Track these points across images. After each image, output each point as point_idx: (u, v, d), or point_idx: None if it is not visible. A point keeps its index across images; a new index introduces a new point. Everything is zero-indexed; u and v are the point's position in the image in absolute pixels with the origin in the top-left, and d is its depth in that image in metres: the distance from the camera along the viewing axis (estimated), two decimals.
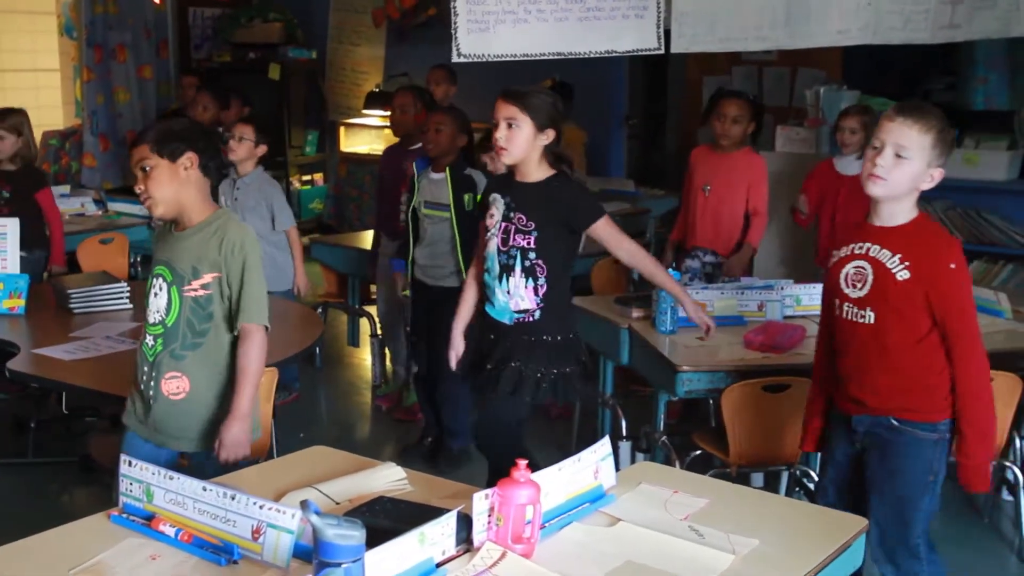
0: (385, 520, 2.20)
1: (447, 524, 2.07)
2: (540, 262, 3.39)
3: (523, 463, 2.15)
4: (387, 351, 6.02)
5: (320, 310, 6.20)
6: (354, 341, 6.51)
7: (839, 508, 2.74)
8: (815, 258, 5.26)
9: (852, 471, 3.05)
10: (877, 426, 2.94)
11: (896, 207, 2.88)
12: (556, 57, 5.07)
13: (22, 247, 4.84)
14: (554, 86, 6.64)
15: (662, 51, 5.04)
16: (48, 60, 9.59)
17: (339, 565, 1.82)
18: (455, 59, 5.03)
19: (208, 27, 10.06)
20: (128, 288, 4.55)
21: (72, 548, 2.17)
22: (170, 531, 2.20)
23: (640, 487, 2.51)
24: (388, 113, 5.49)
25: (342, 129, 9.78)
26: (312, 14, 9.82)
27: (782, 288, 4.27)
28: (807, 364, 3.32)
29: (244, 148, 5.12)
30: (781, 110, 7.36)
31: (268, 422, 3.52)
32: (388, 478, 2.55)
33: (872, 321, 2.88)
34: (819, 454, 3.91)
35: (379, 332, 5.95)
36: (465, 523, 2.13)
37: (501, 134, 3.36)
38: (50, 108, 9.57)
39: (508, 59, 5.04)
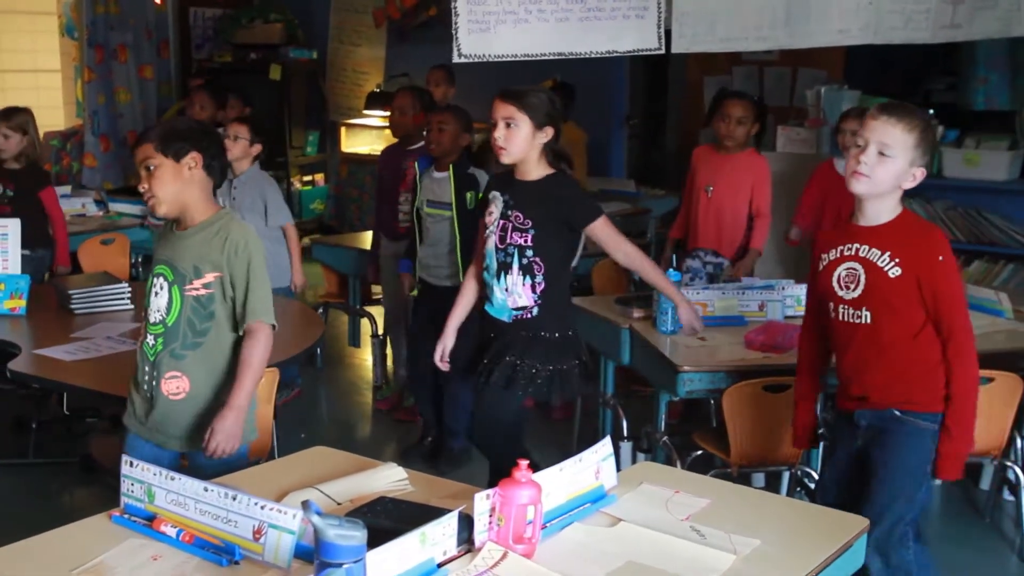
0: (386, 520, 2.21)
1: (448, 524, 2.07)
2: (537, 260, 3.40)
3: (524, 463, 2.15)
4: (388, 352, 6.03)
5: (321, 310, 6.21)
6: (355, 341, 6.51)
7: (842, 507, 2.75)
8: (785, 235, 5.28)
9: (854, 469, 3.06)
10: (879, 419, 2.98)
11: (880, 205, 2.92)
12: (557, 57, 5.07)
13: (25, 246, 4.85)
14: (555, 86, 6.64)
15: (663, 51, 5.04)
16: (49, 60, 9.59)
17: (340, 565, 1.82)
18: (456, 59, 5.03)
19: (209, 27, 10.06)
20: (129, 288, 4.56)
21: (73, 549, 2.17)
22: (171, 532, 2.20)
23: (641, 487, 2.51)
24: (388, 114, 5.49)
25: (343, 129, 9.78)
26: (313, 14, 9.82)
27: (783, 288, 4.27)
28: None
29: (239, 147, 5.13)
30: (782, 110, 7.35)
31: (269, 423, 3.52)
32: (389, 478, 2.55)
33: (869, 321, 2.93)
34: (820, 454, 3.93)
35: (380, 332, 5.95)
36: (466, 523, 2.13)
37: (500, 134, 3.37)
38: (51, 108, 9.57)
39: (509, 59, 5.04)
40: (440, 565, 2.05)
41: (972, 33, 4.54)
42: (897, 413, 2.94)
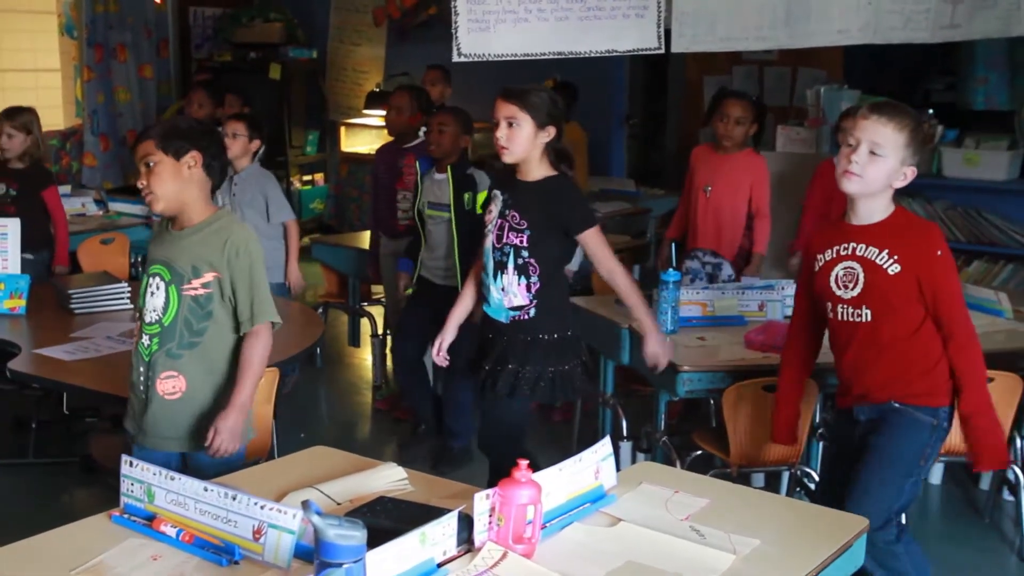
0: (386, 520, 2.21)
1: (448, 524, 2.07)
2: (532, 261, 3.39)
3: (524, 463, 2.15)
4: (388, 351, 6.04)
5: (321, 310, 6.21)
6: (355, 341, 6.51)
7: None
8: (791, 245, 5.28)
9: (854, 465, 3.07)
10: (878, 411, 3.01)
11: (873, 204, 2.94)
12: (556, 57, 5.07)
13: (28, 248, 4.84)
14: (556, 86, 6.65)
15: (662, 51, 5.04)
16: (49, 59, 9.58)
17: (340, 565, 1.82)
18: (456, 59, 5.03)
19: (209, 27, 10.06)
20: (129, 288, 4.56)
21: (73, 548, 2.17)
22: (171, 531, 2.20)
23: (641, 487, 2.51)
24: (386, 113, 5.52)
25: (343, 129, 9.77)
26: (313, 14, 9.82)
27: (783, 288, 4.27)
28: None
29: (238, 145, 5.15)
30: (781, 110, 7.36)
31: (269, 422, 3.53)
32: (389, 478, 2.55)
33: (869, 319, 2.95)
34: (819, 454, 3.93)
35: (380, 332, 5.96)
36: (466, 523, 2.13)
37: (502, 133, 3.36)
38: (50, 108, 9.55)
39: (508, 59, 5.04)
40: (440, 565, 2.05)
41: (971, 33, 4.54)
42: (896, 404, 2.98)
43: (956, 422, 3.06)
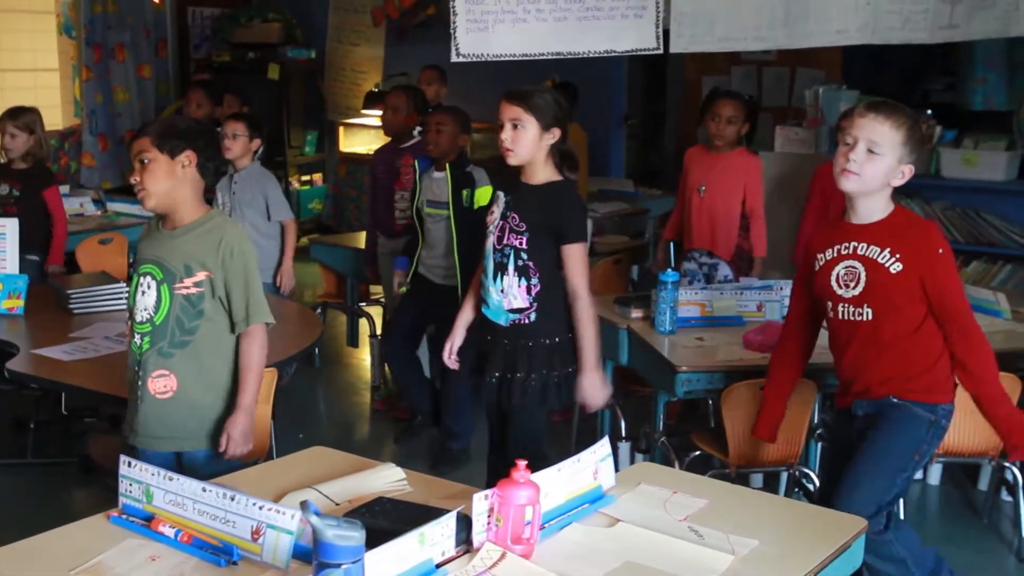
0: (385, 521, 2.21)
1: (447, 525, 2.07)
2: (532, 263, 3.38)
3: (522, 463, 2.16)
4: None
5: (319, 310, 6.21)
6: (353, 341, 6.51)
7: None
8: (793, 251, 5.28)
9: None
10: (876, 406, 3.02)
11: (872, 203, 2.95)
12: (555, 57, 5.07)
13: (30, 250, 4.83)
14: (555, 87, 6.65)
15: (661, 51, 5.04)
16: (47, 59, 9.58)
17: (339, 566, 1.82)
18: (454, 59, 5.03)
19: (207, 27, 10.06)
20: (127, 288, 4.55)
21: (72, 549, 2.17)
22: (170, 532, 2.20)
23: (639, 488, 2.51)
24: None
25: (341, 129, 9.77)
26: (311, 14, 9.82)
27: (781, 288, 4.27)
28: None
29: (239, 145, 5.17)
30: (780, 110, 7.37)
31: (267, 423, 3.52)
32: (388, 479, 2.55)
33: (870, 317, 2.95)
34: (818, 455, 3.93)
35: (378, 332, 5.96)
36: (465, 524, 2.13)
37: (506, 135, 3.33)
38: (49, 108, 9.54)
39: (507, 59, 5.04)
40: (438, 566, 2.05)
41: (970, 33, 4.54)
42: (895, 400, 2.99)
43: (955, 420, 3.08)
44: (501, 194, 3.47)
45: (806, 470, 3.83)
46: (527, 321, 3.41)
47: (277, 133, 9.15)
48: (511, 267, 3.39)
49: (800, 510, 2.58)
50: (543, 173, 3.40)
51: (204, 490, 2.22)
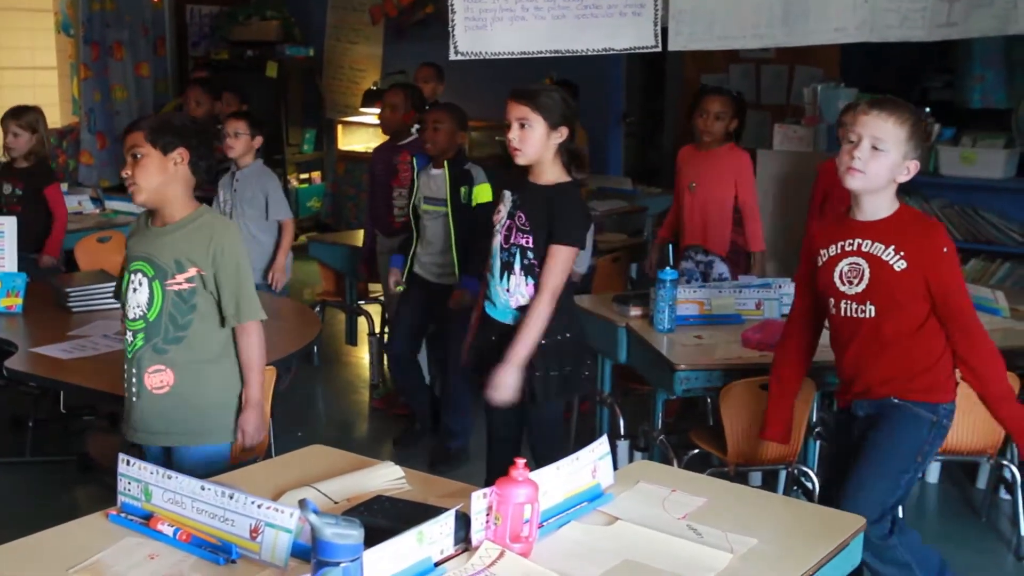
0: (383, 519, 2.21)
1: (445, 523, 2.07)
2: (537, 262, 3.38)
3: (521, 462, 2.16)
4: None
5: (318, 308, 6.21)
6: (352, 340, 6.51)
7: None
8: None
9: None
10: (877, 406, 3.01)
11: (877, 200, 2.94)
12: (553, 55, 5.07)
13: (32, 249, 4.82)
14: (553, 85, 6.64)
15: (659, 49, 5.04)
16: (45, 58, 9.57)
17: (337, 564, 1.82)
18: (453, 57, 5.02)
19: (206, 25, 10.05)
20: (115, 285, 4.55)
21: (70, 547, 2.17)
22: (168, 530, 2.20)
23: (638, 486, 2.51)
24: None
25: (340, 127, 9.77)
26: (310, 12, 9.82)
27: (780, 286, 4.27)
28: None
29: (241, 143, 5.18)
30: (778, 108, 7.36)
31: (266, 421, 3.51)
32: (386, 477, 2.55)
33: (873, 315, 2.94)
34: (816, 453, 3.93)
35: (377, 330, 5.96)
36: (463, 522, 2.13)
37: (514, 135, 3.31)
38: (47, 106, 9.52)
39: (505, 57, 5.04)
40: (437, 564, 2.05)
41: (968, 31, 4.54)
42: (896, 400, 2.98)
43: (956, 419, 3.07)
44: (508, 193, 3.45)
45: (805, 468, 3.83)
46: None
47: (275, 131, 9.14)
48: (518, 266, 3.39)
49: (799, 508, 2.59)
50: (551, 173, 3.38)
51: (203, 488, 2.22)
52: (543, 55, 5.07)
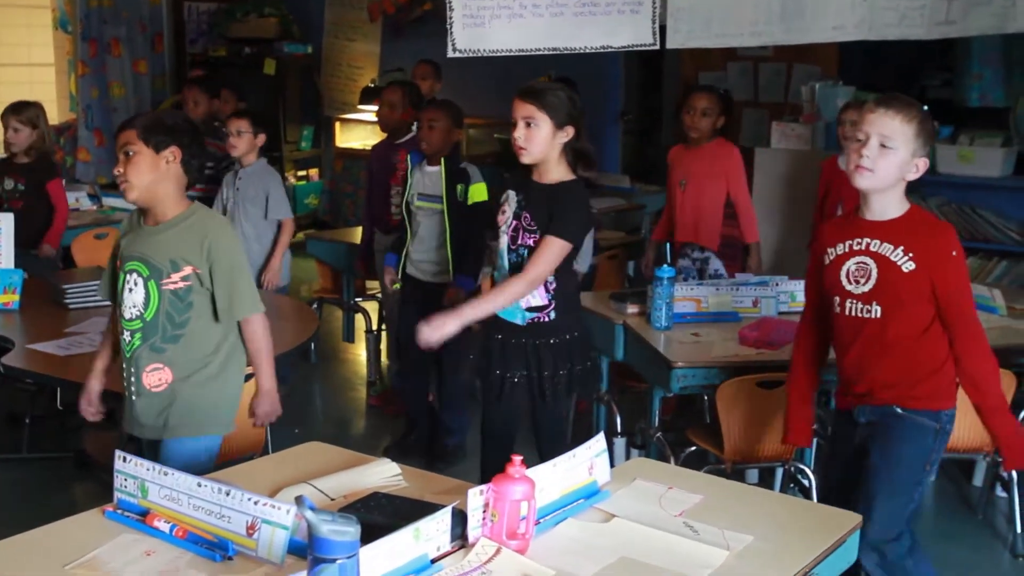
0: (380, 516, 2.21)
1: (442, 520, 2.07)
2: None
3: (518, 459, 2.16)
4: (383, 347, 6.04)
5: (315, 306, 6.21)
6: (349, 337, 6.51)
7: (845, 507, 2.75)
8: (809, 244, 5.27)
9: (853, 469, 3.04)
10: (879, 414, 2.97)
11: (886, 199, 2.91)
12: (551, 52, 5.06)
13: (33, 246, 4.81)
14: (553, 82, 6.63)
15: (658, 47, 5.04)
16: (43, 54, 9.57)
17: (334, 561, 1.82)
18: (451, 54, 5.02)
19: (203, 21, 10.04)
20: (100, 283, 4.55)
21: (67, 544, 2.17)
22: (165, 527, 2.20)
23: (635, 483, 2.51)
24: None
25: (337, 124, 9.77)
26: (308, 9, 9.81)
27: (776, 284, 4.28)
28: None
29: (244, 141, 5.17)
30: (777, 106, 7.36)
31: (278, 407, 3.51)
32: (383, 474, 2.55)
33: (879, 315, 2.91)
34: (813, 452, 3.93)
35: (375, 328, 5.96)
36: (460, 519, 2.13)
37: (519, 133, 3.30)
38: (45, 103, 9.50)
39: (503, 54, 5.03)
40: (433, 561, 2.05)
41: (967, 29, 4.53)
42: (898, 410, 2.93)
43: (956, 421, 3.05)
44: (512, 193, 3.43)
45: (801, 466, 3.83)
46: (547, 319, 3.39)
47: (273, 128, 9.11)
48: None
49: (795, 506, 2.59)
50: (556, 172, 3.37)
51: (199, 485, 2.21)
52: (541, 53, 5.07)
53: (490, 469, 3.57)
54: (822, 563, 2.22)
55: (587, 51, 5.07)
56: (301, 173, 9.85)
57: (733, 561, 2.14)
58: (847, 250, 2.96)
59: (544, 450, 3.52)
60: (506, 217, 3.42)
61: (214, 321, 2.97)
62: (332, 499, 2.41)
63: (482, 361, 3.52)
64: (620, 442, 4.34)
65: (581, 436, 2.62)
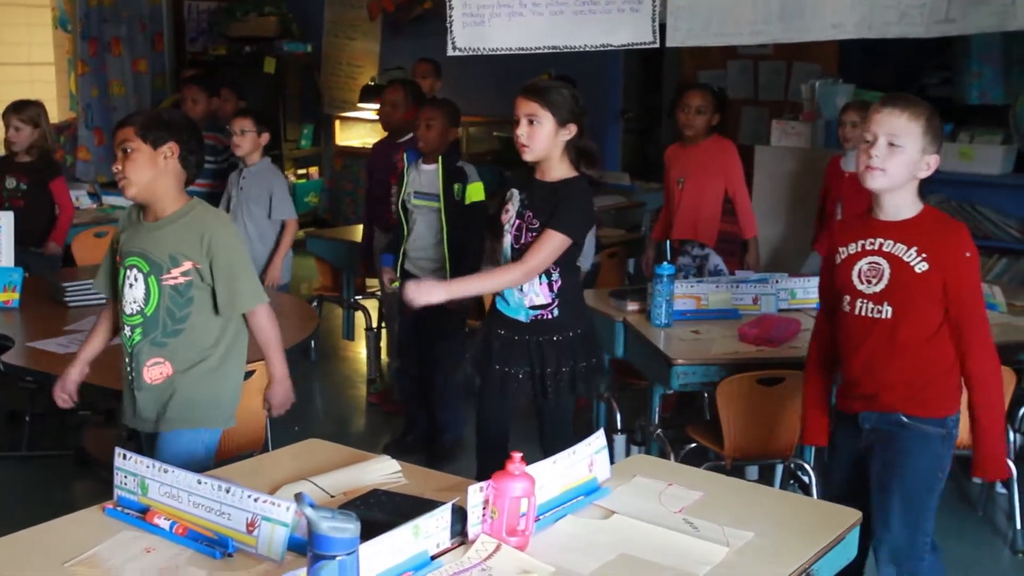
0: (380, 513, 2.21)
1: (442, 517, 2.07)
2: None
3: (517, 455, 2.16)
4: (382, 345, 6.04)
5: (315, 303, 6.21)
6: (349, 335, 6.51)
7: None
8: (813, 243, 5.28)
9: (855, 471, 3.02)
10: (884, 422, 2.93)
11: (898, 199, 2.89)
12: (551, 51, 5.06)
13: (35, 245, 4.81)
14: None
15: (657, 45, 5.04)
16: (43, 53, 9.56)
17: (334, 558, 1.82)
18: (451, 53, 5.02)
19: (203, 20, 10.04)
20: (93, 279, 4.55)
21: (67, 541, 2.17)
22: (165, 524, 2.20)
23: (635, 480, 2.51)
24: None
25: (337, 123, 9.77)
26: (307, 8, 9.81)
27: (777, 281, 4.28)
28: (802, 357, 3.31)
29: (248, 141, 5.17)
30: (776, 104, 7.36)
31: (262, 415, 3.52)
32: (383, 471, 2.55)
33: (889, 316, 2.87)
34: (812, 450, 3.93)
35: (375, 326, 5.96)
36: (460, 516, 2.13)
37: (522, 131, 3.30)
38: (45, 102, 9.51)
39: (503, 53, 5.03)
40: (433, 557, 2.05)
41: (966, 27, 4.53)
42: (904, 419, 2.90)
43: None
44: (516, 192, 3.43)
45: (801, 463, 3.83)
46: (551, 316, 3.39)
47: (273, 127, 9.12)
48: None
49: (795, 502, 2.59)
50: (558, 170, 3.37)
51: (199, 482, 2.22)
52: (541, 51, 5.07)
53: (485, 466, 3.59)
54: (822, 559, 2.22)
55: (587, 49, 5.07)
56: (301, 171, 9.85)
57: (733, 557, 2.14)
58: (860, 250, 2.93)
59: (548, 447, 3.52)
60: (509, 216, 3.42)
61: (214, 315, 2.97)
62: (332, 496, 2.41)
63: (481, 356, 3.53)
64: (620, 439, 4.34)
65: (580, 432, 2.63)
